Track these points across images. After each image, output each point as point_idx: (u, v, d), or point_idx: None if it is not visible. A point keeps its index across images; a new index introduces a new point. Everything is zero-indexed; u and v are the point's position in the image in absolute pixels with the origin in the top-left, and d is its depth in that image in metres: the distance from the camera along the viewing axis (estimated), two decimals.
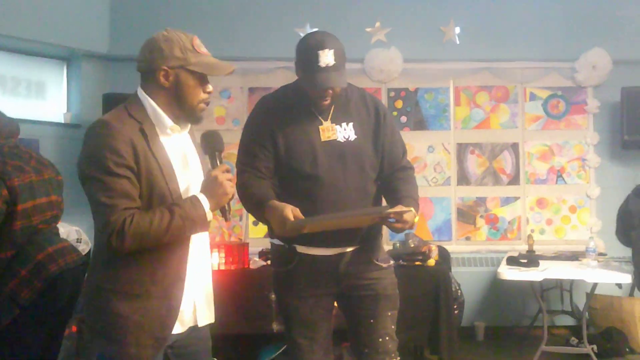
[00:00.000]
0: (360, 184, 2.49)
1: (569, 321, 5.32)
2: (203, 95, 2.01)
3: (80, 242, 4.10)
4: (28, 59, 5.23)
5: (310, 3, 5.50)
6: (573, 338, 4.73)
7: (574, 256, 4.87)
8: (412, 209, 2.37)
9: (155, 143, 1.94)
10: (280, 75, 5.36)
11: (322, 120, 2.52)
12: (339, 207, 2.42)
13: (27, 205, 2.87)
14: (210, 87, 2.04)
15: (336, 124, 2.52)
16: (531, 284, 4.42)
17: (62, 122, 5.37)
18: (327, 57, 2.40)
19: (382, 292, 2.54)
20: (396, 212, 2.33)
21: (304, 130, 2.50)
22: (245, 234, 5.51)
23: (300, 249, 2.51)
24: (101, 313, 1.94)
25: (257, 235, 5.38)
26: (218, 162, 2.04)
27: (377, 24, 5.49)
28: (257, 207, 2.41)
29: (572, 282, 5.17)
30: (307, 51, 2.43)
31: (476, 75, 5.59)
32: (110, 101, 4.78)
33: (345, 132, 2.52)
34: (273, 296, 3.95)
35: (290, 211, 2.27)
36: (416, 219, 2.44)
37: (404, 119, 5.57)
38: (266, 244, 3.33)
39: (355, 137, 2.53)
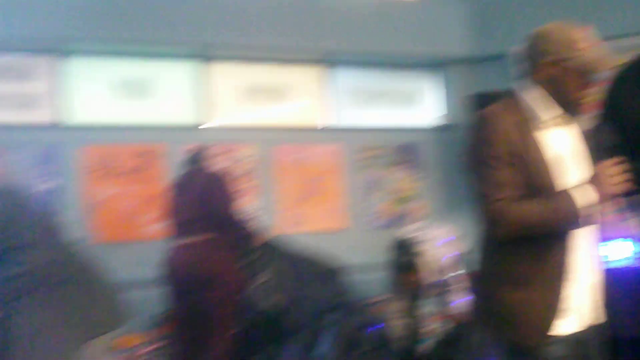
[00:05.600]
0: None
1: None
2: (584, 91, 1.93)
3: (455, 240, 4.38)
4: (402, 72, 5.73)
5: None
6: None
7: None
8: None
9: (534, 135, 1.91)
10: None
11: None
12: None
13: None
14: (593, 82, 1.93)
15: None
16: None
17: (437, 125, 5.73)
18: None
19: None
20: None
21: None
22: None
23: None
24: (488, 300, 1.99)
25: None
26: (605, 159, 1.91)
27: None
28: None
29: None
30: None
31: None
32: (480, 100, 4.99)
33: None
34: None
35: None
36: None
37: None
38: None
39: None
